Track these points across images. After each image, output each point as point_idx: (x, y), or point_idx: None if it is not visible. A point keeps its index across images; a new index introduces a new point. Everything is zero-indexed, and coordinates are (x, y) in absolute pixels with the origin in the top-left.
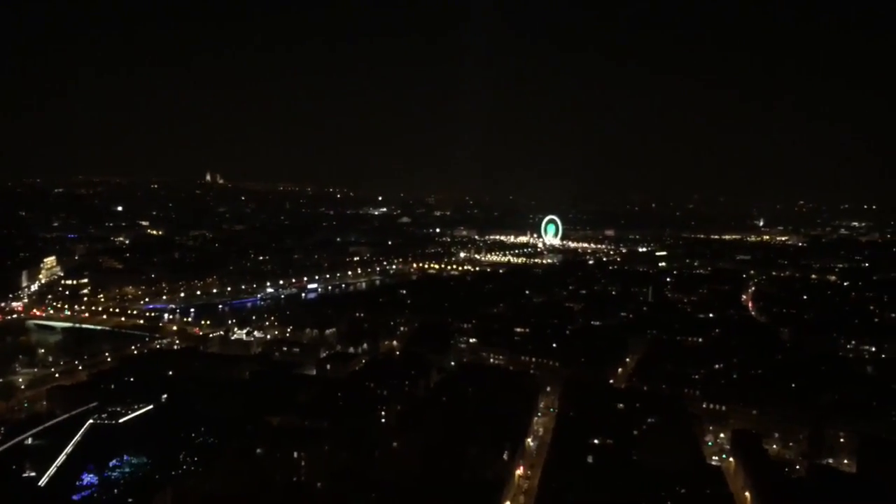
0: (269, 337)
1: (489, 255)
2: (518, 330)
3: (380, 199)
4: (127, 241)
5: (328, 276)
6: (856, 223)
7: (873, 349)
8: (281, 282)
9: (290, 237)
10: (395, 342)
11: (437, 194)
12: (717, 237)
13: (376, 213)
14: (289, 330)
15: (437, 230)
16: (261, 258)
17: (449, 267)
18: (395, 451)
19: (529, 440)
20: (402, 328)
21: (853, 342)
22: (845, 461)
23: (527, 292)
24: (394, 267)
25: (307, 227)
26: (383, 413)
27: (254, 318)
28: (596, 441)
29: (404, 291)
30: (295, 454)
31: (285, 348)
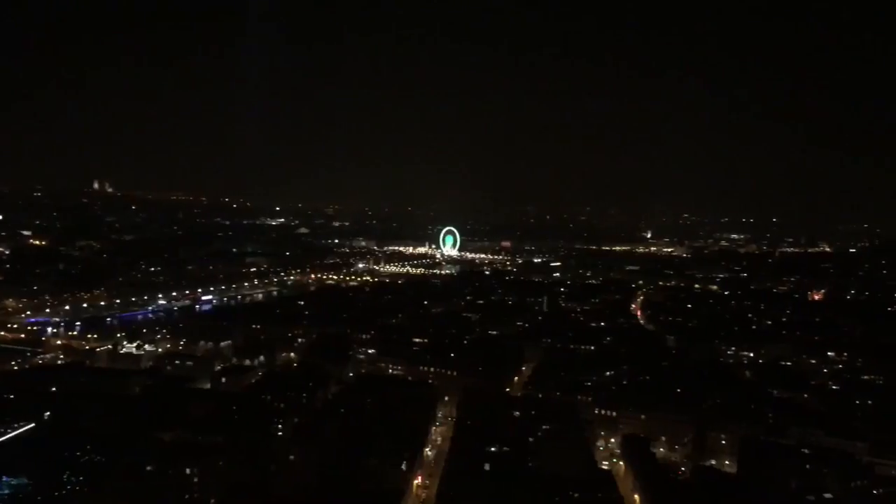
0: (160, 350)
1: (388, 266)
2: (417, 340)
3: (277, 209)
4: (7, 252)
5: (223, 287)
6: (735, 235)
7: (751, 354)
8: (174, 293)
9: (184, 248)
10: (292, 354)
11: (336, 205)
12: (608, 248)
13: (273, 223)
14: (182, 343)
15: (336, 241)
16: (152, 269)
17: (348, 278)
18: (292, 464)
19: (427, 450)
20: (299, 340)
21: (733, 348)
22: (727, 462)
23: (425, 303)
24: (291, 278)
25: (201, 238)
26: (280, 426)
27: (144, 331)
28: (493, 449)
29: (302, 303)
30: (188, 471)
31: (178, 362)
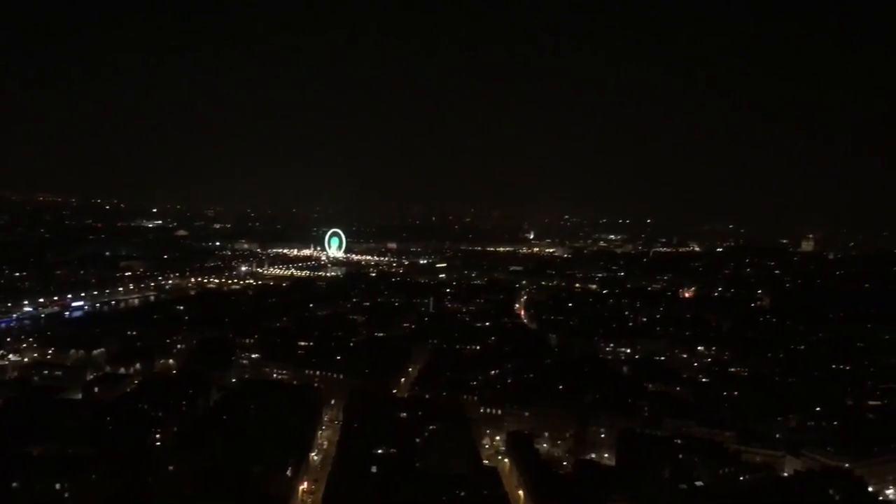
0: (26, 360)
1: (272, 269)
2: (302, 343)
3: (154, 211)
4: None
5: (96, 293)
6: (612, 236)
7: (628, 350)
8: (41, 300)
9: (52, 251)
10: (171, 361)
11: (217, 206)
12: (492, 249)
13: (150, 225)
14: (50, 351)
15: (217, 244)
16: (16, 274)
17: (230, 281)
18: (172, 474)
19: (314, 454)
20: (179, 346)
21: (611, 345)
22: (606, 455)
23: (311, 305)
24: (170, 282)
25: (71, 241)
26: (158, 435)
27: (8, 339)
28: (379, 450)
29: (182, 307)
30: (58, 486)
31: (46, 371)
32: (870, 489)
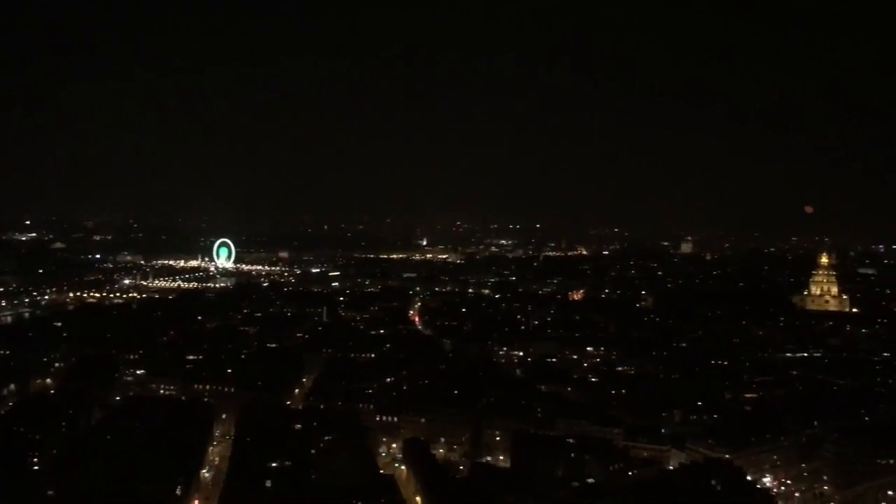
0: None
1: (157, 281)
2: (190, 357)
3: (28, 223)
4: None
5: None
6: (504, 241)
7: (521, 353)
8: None
9: None
10: (49, 380)
11: (97, 217)
12: (385, 257)
13: (23, 238)
14: None
15: (98, 256)
16: None
17: (112, 295)
18: (52, 499)
19: (204, 471)
20: (57, 364)
21: (505, 348)
22: (501, 457)
23: (199, 318)
24: (46, 297)
25: None
26: (36, 459)
27: None
28: (274, 464)
29: (59, 324)
30: None
31: None
32: (748, 478)
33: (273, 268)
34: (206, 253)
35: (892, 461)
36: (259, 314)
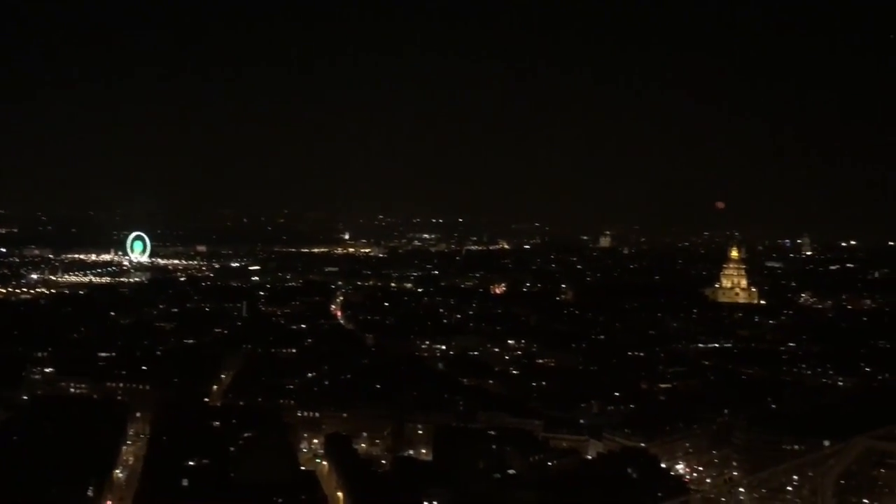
0: None
1: (68, 276)
2: (103, 355)
3: None
4: None
5: None
6: (426, 235)
7: (444, 347)
8: None
9: None
10: None
11: (1, 209)
12: (307, 251)
13: None
14: None
15: (3, 250)
16: None
17: (18, 291)
18: None
19: (118, 471)
20: None
21: (427, 342)
22: (423, 450)
23: (112, 314)
24: None
25: None
26: None
27: None
28: (191, 463)
29: None
30: None
31: None
32: (662, 465)
33: (190, 262)
34: (120, 247)
35: (796, 447)
36: (175, 310)
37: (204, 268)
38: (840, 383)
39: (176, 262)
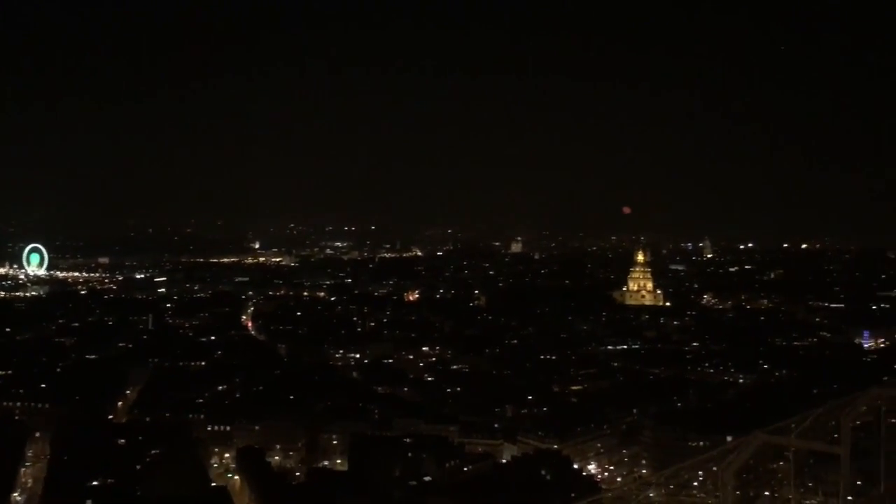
0: None
1: None
2: None
3: None
4: None
5: None
6: (339, 243)
7: (358, 355)
8: None
9: None
10: None
11: None
12: (216, 261)
13: None
14: None
15: None
16: None
17: None
18: None
19: (16, 494)
20: None
21: (341, 351)
22: (339, 461)
23: (7, 329)
24: None
25: None
26: None
27: None
28: (95, 482)
29: None
30: None
31: None
32: (575, 466)
33: (92, 274)
34: (16, 259)
35: (701, 443)
36: (76, 324)
37: (107, 280)
38: (741, 380)
39: (76, 274)
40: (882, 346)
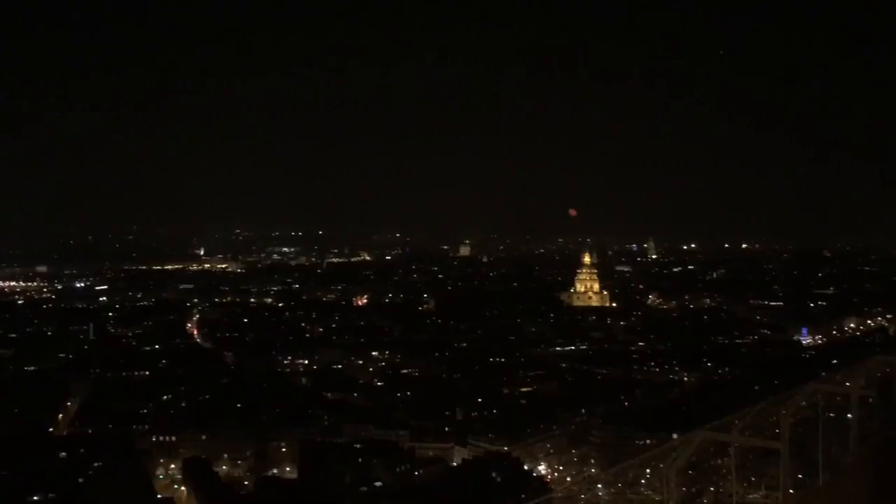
0: None
1: None
2: None
3: None
4: None
5: None
6: (286, 248)
7: (306, 362)
8: None
9: None
10: None
11: None
12: (159, 268)
13: None
14: None
15: None
16: None
17: None
18: None
19: None
20: None
21: (290, 357)
22: (288, 468)
23: None
24: None
25: None
26: None
27: None
28: (36, 498)
29: None
30: None
31: None
32: (525, 467)
33: (29, 283)
34: None
35: (647, 441)
36: (13, 335)
37: (45, 289)
38: (685, 379)
39: (12, 283)
40: (819, 342)
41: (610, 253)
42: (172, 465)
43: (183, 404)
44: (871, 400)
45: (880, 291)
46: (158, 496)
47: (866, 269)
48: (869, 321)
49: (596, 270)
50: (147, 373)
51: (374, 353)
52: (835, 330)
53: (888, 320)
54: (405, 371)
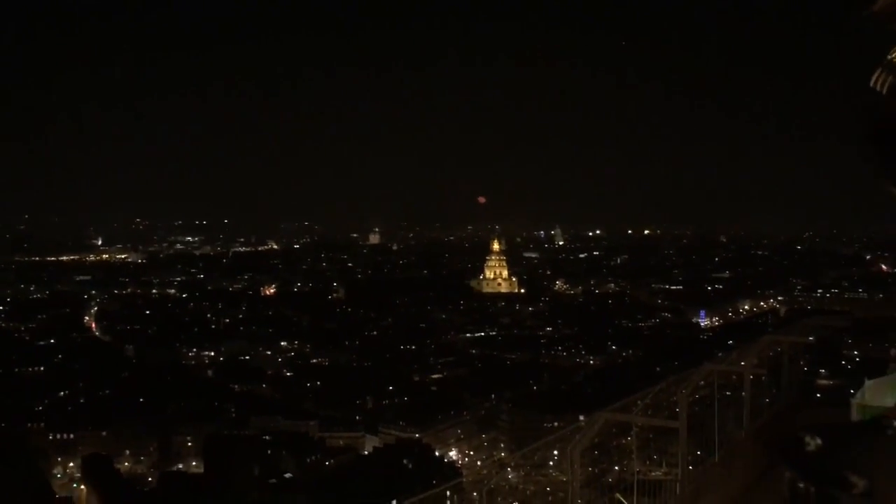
0: None
1: None
2: None
3: None
4: None
5: None
6: (190, 238)
7: (212, 353)
8: None
9: None
10: None
11: None
12: (53, 259)
13: None
14: None
15: None
16: None
17: None
18: None
19: None
20: None
21: (195, 349)
22: (194, 463)
23: None
24: None
25: None
26: None
27: None
28: None
29: None
30: None
31: None
32: (437, 453)
33: None
34: None
35: (555, 423)
36: None
37: None
38: (591, 362)
39: None
40: (716, 324)
41: (518, 240)
42: (71, 464)
43: (81, 400)
44: (763, 378)
45: (771, 274)
46: (57, 496)
47: (759, 253)
48: (762, 303)
49: (504, 257)
50: (41, 368)
51: (282, 344)
52: (730, 311)
53: (779, 301)
54: (314, 361)
